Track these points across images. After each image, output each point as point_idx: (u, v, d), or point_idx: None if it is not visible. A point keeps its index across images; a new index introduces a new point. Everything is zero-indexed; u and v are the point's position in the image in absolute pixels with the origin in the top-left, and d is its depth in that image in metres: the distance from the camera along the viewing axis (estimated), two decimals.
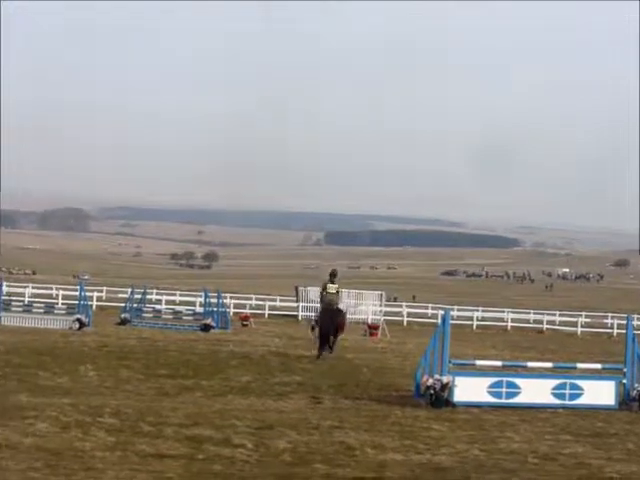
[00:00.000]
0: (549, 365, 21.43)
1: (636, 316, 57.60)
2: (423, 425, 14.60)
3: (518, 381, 17.57)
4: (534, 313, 71.49)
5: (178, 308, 47.38)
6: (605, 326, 65.40)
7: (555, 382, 17.75)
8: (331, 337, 26.35)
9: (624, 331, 19.84)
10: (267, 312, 59.44)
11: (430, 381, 16.84)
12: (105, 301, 60.26)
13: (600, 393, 17.70)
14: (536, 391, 17.44)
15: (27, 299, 51.57)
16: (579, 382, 17.76)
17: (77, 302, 37.48)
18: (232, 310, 53.85)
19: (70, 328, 34.17)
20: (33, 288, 71.31)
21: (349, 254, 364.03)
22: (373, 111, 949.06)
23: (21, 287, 69.11)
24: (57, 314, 36.80)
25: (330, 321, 26.27)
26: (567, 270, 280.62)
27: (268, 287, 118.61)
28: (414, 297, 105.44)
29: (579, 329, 61.03)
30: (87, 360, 21.74)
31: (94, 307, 49.43)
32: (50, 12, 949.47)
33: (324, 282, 27.36)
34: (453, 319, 30.14)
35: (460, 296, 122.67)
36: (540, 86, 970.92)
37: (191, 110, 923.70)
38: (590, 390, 17.63)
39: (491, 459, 12.13)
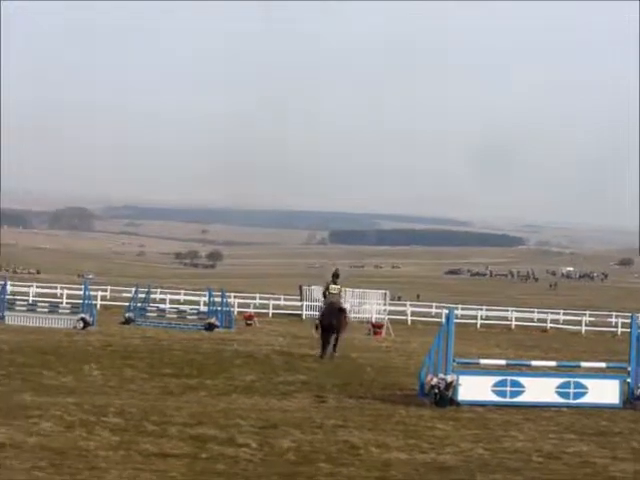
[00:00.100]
0: (553, 364, 21.40)
1: None
2: (427, 424, 14.59)
3: (522, 380, 17.55)
4: (538, 312, 71.40)
5: (182, 307, 47.45)
6: (609, 325, 65.37)
7: (559, 381, 17.73)
8: (333, 336, 26.36)
9: (628, 330, 19.83)
10: (271, 311, 59.41)
11: (434, 380, 16.83)
12: (109, 300, 60.28)
13: (604, 392, 17.68)
14: (540, 390, 17.43)
15: (31, 298, 51.59)
16: (583, 381, 17.74)
17: (81, 301, 37.52)
18: (236, 309, 53.87)
19: (74, 327, 34.19)
20: (37, 287, 71.42)
21: (354, 253, 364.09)
22: (373, 111, 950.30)
23: (25, 286, 69.22)
24: (61, 313, 36.82)
25: (332, 320, 26.28)
26: (571, 269, 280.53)
27: (272, 286, 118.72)
28: (418, 296, 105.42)
29: (583, 328, 60.95)
30: (91, 359, 21.75)
31: (98, 306, 49.50)
32: (50, 12, 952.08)
33: (327, 283, 27.41)
34: (457, 318, 30.19)
35: (464, 295, 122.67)
36: (540, 86, 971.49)
37: (191, 110, 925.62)
38: (594, 389, 17.62)
39: (495, 458, 12.12)
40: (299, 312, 59.32)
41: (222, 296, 40.91)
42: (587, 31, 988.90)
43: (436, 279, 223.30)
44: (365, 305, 59.80)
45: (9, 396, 15.53)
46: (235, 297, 63.08)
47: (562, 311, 73.47)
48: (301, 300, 61.87)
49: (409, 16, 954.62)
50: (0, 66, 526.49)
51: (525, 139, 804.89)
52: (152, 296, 49.29)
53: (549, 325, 62.08)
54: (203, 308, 44.92)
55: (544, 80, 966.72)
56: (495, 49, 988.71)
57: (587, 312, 71.42)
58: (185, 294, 74.75)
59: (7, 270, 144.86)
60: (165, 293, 71.32)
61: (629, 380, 17.85)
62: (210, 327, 37.74)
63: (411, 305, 69.49)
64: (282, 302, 68.03)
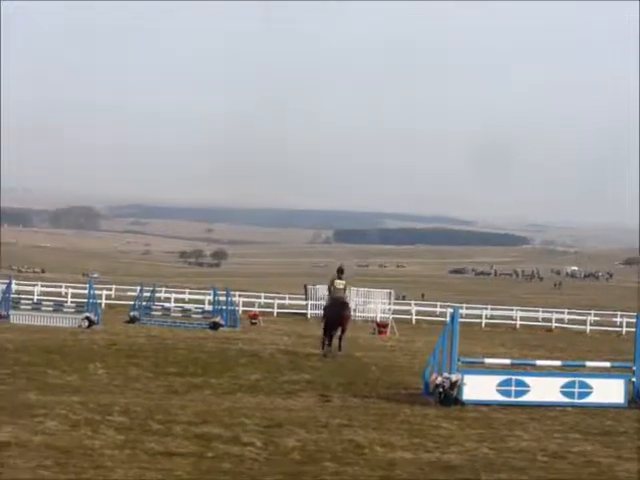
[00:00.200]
0: (558, 363, 21.38)
1: None
2: (432, 423, 14.59)
3: (527, 379, 17.54)
4: (543, 311, 71.47)
5: (187, 306, 47.49)
6: (614, 324, 65.32)
7: (564, 380, 17.72)
8: (338, 333, 26.37)
9: (633, 329, 19.81)
10: (276, 310, 59.47)
11: (439, 379, 16.83)
12: (114, 299, 60.36)
13: (609, 391, 17.67)
14: (545, 389, 17.42)
15: (36, 297, 51.65)
16: (588, 380, 17.73)
17: (86, 300, 37.56)
18: (241, 308, 53.96)
19: (79, 326, 34.24)
20: (42, 286, 71.53)
21: (359, 252, 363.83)
22: (373, 111, 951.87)
23: (30, 285, 69.31)
24: (66, 312, 36.86)
25: (336, 315, 26.30)
26: (576, 268, 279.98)
27: (277, 285, 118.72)
28: (423, 295, 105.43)
29: (588, 327, 60.93)
30: (96, 358, 21.76)
31: (103, 305, 49.55)
32: (50, 12, 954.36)
33: (332, 278, 27.43)
34: (462, 317, 30.11)
35: (469, 294, 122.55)
36: (540, 86, 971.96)
37: (191, 110, 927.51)
38: (599, 388, 17.60)
39: (500, 457, 12.11)
40: (304, 311, 59.39)
41: (227, 295, 40.93)
42: (587, 31, 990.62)
43: (441, 278, 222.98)
44: (370, 304, 59.89)
45: (14, 395, 15.55)
46: (240, 296, 63.13)
47: (567, 310, 73.42)
48: (306, 299, 61.96)
49: (409, 16, 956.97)
50: (0, 66, 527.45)
51: (525, 139, 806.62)
52: (157, 295, 49.26)
53: (554, 324, 62.09)
54: (208, 307, 44.92)
55: (544, 80, 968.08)
56: (495, 49, 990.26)
57: (592, 311, 71.29)
58: (190, 293, 74.90)
59: (12, 269, 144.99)
60: (170, 292, 71.47)
61: (634, 380, 17.84)
62: (215, 326, 37.76)
63: (416, 304, 69.53)
64: (287, 301, 68.06)
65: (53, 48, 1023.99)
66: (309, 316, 57.15)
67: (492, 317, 65.51)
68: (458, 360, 17.05)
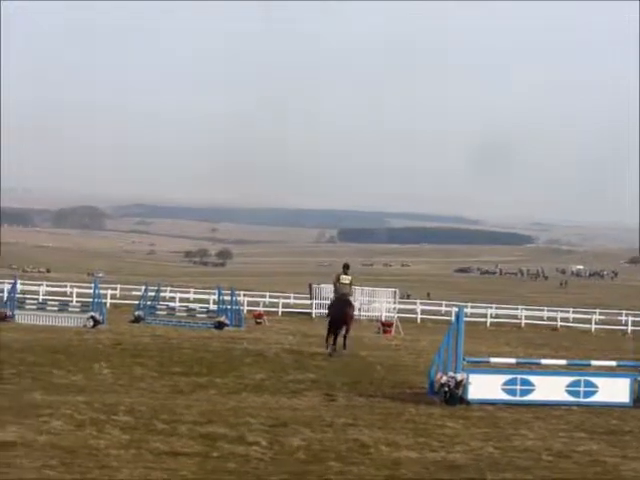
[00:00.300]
0: (563, 362, 21.32)
1: None
2: (437, 423, 14.58)
3: (532, 378, 17.53)
4: (548, 310, 71.49)
5: (192, 306, 47.54)
6: (619, 323, 65.22)
7: (569, 379, 17.70)
8: (342, 332, 26.39)
9: (638, 328, 19.80)
10: (281, 310, 59.47)
11: (444, 378, 16.81)
12: (119, 299, 60.42)
13: (615, 390, 17.65)
14: (550, 388, 17.41)
15: (41, 297, 51.69)
16: (593, 379, 17.71)
17: (91, 300, 37.58)
18: (246, 308, 53.96)
19: (84, 326, 34.24)
20: (47, 286, 71.59)
21: (364, 251, 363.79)
22: (373, 111, 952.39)
23: (35, 285, 69.37)
24: (71, 312, 36.87)
25: (341, 312, 26.32)
26: (581, 267, 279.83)
27: (282, 285, 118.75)
28: (428, 294, 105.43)
29: (593, 326, 60.82)
30: (101, 358, 21.77)
31: (108, 305, 49.60)
32: (50, 12, 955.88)
33: (337, 273, 27.47)
34: (467, 316, 30.11)
35: (474, 293, 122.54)
36: (540, 86, 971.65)
37: (191, 110, 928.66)
38: (604, 387, 17.58)
39: (505, 457, 12.10)
40: (309, 310, 59.37)
41: (232, 294, 40.94)
42: (587, 31, 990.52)
43: (446, 277, 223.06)
44: (375, 303, 59.82)
45: (19, 395, 15.55)
46: (245, 295, 63.21)
47: (572, 309, 73.50)
48: (311, 298, 61.94)
49: (409, 16, 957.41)
50: (0, 66, 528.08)
51: (525, 139, 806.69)
52: (162, 294, 49.28)
53: (559, 323, 62.05)
54: (213, 306, 44.98)
55: (544, 80, 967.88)
56: (495, 49, 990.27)
57: (597, 310, 71.27)
58: (195, 292, 74.95)
59: (12, 268, 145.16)
60: (175, 291, 71.54)
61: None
62: (220, 325, 37.77)
63: (421, 303, 69.55)
64: (292, 300, 68.05)
65: (53, 48, 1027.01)
66: (314, 315, 57.13)
67: (497, 316, 65.49)
68: (463, 359, 17.04)
